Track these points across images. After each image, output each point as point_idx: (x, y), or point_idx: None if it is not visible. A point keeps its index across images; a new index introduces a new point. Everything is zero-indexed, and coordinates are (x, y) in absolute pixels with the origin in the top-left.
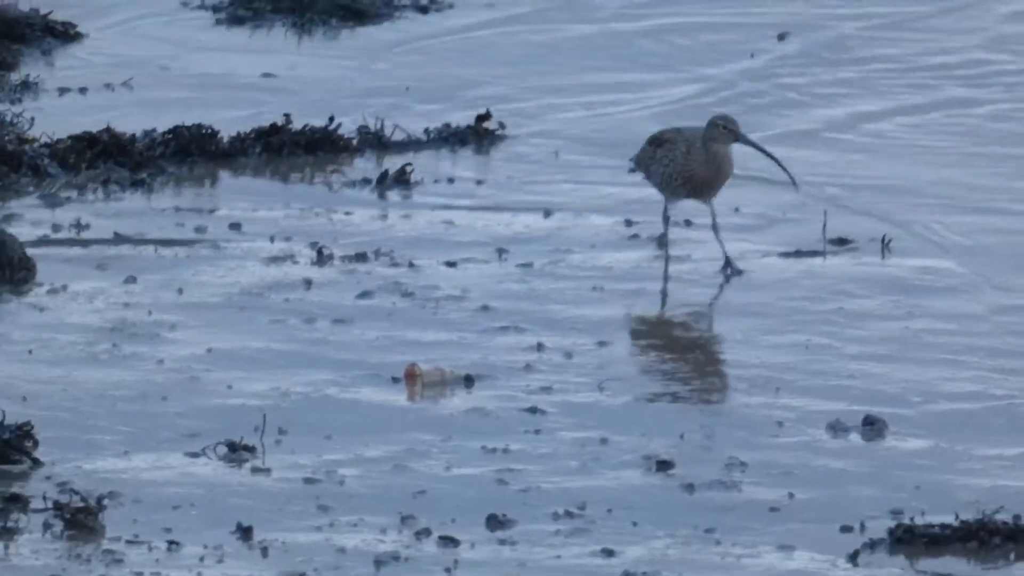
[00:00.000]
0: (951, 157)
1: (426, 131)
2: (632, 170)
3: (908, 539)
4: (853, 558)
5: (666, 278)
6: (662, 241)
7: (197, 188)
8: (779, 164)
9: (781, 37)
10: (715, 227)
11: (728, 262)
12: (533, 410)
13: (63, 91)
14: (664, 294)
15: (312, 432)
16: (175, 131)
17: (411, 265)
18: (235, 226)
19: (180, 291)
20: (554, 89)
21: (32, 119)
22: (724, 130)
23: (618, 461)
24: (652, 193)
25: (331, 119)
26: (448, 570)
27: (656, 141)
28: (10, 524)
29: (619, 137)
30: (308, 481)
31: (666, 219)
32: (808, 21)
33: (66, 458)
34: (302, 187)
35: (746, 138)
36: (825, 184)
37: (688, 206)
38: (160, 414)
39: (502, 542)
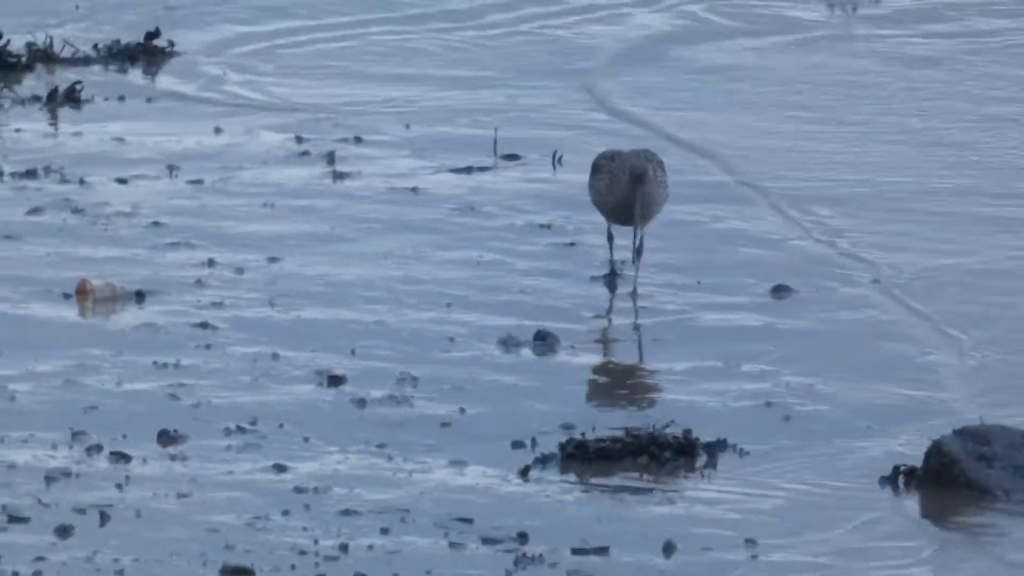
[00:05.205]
0: None
1: (95, 48)
2: None
3: (579, 454)
4: (524, 473)
5: (611, 305)
6: (612, 272)
7: None
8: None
9: None
10: (637, 253)
11: (634, 291)
12: (204, 325)
13: None
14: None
15: None
16: None
17: (82, 182)
18: None
19: None
20: (223, 9)
21: None
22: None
23: (289, 376)
24: (321, 112)
25: None
26: (120, 486)
27: (594, 166)
28: None
29: (286, 63)
30: None
31: (609, 238)
32: None
33: None
34: None
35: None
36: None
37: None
38: None
39: (173, 457)
